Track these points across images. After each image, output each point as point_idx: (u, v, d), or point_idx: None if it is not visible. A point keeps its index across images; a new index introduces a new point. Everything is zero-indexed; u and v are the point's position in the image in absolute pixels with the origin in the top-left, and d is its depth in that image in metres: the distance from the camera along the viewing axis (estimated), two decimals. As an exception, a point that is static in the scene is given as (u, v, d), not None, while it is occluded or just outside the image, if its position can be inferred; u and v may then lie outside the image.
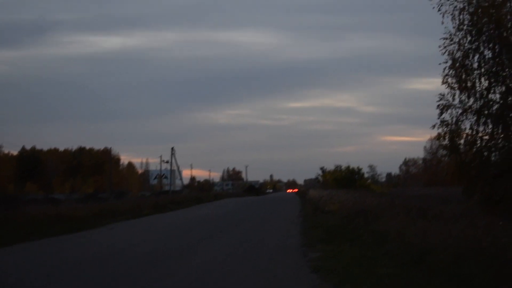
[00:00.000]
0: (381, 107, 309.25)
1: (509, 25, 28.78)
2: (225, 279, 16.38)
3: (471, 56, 29.48)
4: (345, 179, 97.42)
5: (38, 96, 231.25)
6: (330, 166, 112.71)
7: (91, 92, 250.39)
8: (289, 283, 15.64)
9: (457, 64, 29.46)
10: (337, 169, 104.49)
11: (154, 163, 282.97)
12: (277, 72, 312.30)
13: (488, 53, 29.37)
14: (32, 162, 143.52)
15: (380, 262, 17.87)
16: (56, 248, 25.61)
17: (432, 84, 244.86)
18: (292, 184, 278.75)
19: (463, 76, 29.38)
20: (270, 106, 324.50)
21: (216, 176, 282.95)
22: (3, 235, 28.90)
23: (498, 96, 29.21)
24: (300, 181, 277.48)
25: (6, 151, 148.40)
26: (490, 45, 29.16)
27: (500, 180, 28.43)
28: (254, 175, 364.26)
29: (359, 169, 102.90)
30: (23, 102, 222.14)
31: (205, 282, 16.02)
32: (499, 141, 29.04)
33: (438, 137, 30.27)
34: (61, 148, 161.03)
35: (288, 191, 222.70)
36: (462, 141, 29.73)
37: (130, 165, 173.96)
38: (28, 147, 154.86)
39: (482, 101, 29.23)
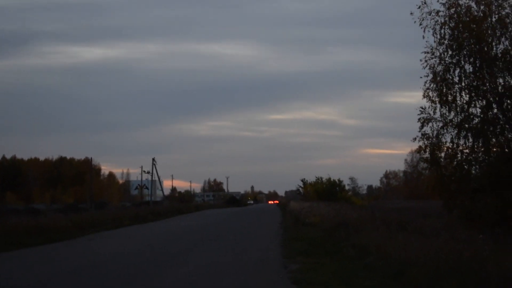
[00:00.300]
0: (363, 120, 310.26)
1: (490, 40, 28.99)
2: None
3: (452, 70, 29.67)
4: (326, 191, 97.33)
5: (19, 106, 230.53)
6: (311, 178, 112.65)
7: (73, 103, 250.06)
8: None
9: (438, 78, 29.63)
10: (318, 181, 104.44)
11: (135, 174, 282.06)
12: (259, 84, 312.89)
13: (468, 67, 29.57)
14: (12, 171, 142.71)
15: (361, 275, 17.91)
16: (36, 259, 25.48)
17: (413, 97, 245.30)
18: (273, 195, 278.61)
19: (444, 90, 29.55)
20: (252, 118, 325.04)
21: (197, 187, 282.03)
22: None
23: (478, 110, 29.40)
24: (281, 192, 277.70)
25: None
26: (471, 60, 29.35)
27: (480, 194, 28.56)
28: (235, 187, 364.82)
29: (340, 181, 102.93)
30: (3, 111, 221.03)
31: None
32: (480, 154, 29.22)
33: (419, 150, 30.42)
34: (42, 158, 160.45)
35: (269, 202, 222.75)
36: (442, 154, 29.90)
37: (111, 175, 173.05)
38: (8, 156, 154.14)
39: (462, 115, 29.41)
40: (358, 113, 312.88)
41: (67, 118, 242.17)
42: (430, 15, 29.82)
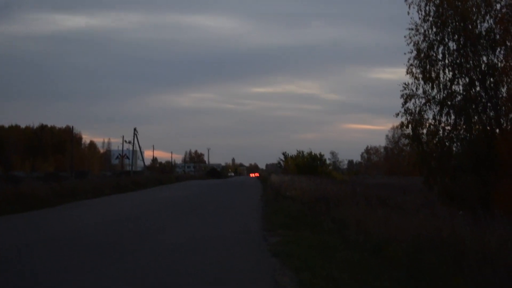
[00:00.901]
0: (344, 95, 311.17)
1: (474, 18, 29.02)
2: (184, 261, 16.36)
3: (435, 47, 29.74)
4: (307, 165, 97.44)
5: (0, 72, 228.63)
6: (292, 152, 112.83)
7: (54, 71, 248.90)
8: (249, 266, 15.67)
9: (422, 55, 29.71)
10: (299, 154, 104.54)
11: (116, 143, 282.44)
12: (241, 57, 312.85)
13: (452, 45, 29.68)
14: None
15: (340, 249, 17.97)
16: (14, 226, 25.43)
17: (396, 74, 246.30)
18: (254, 168, 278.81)
19: (428, 67, 29.63)
20: (234, 91, 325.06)
21: (178, 158, 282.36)
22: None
23: (461, 87, 29.54)
24: (262, 165, 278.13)
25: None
26: (455, 37, 29.41)
27: (460, 171, 28.75)
28: (216, 158, 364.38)
29: (321, 156, 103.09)
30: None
31: (165, 263, 15.99)
32: (461, 132, 29.37)
33: (401, 125, 30.54)
34: (23, 126, 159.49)
35: (251, 175, 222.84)
36: (424, 131, 30.02)
37: (92, 144, 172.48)
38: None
39: (445, 92, 29.53)
40: (340, 88, 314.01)
41: (48, 86, 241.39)
42: (415, -9, 29.82)
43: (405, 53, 29.97)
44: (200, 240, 20.82)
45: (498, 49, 28.87)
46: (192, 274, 14.40)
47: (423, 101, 29.48)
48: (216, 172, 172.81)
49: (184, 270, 14.98)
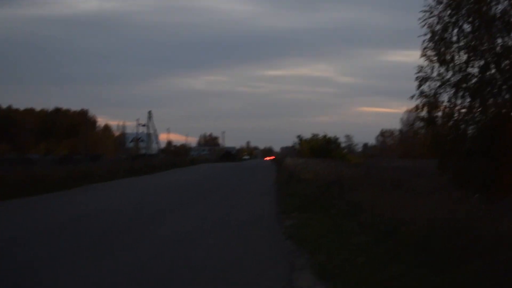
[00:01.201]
0: (359, 78, 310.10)
1: (489, 0, 28.86)
2: (201, 243, 16.43)
3: (450, 30, 29.56)
4: (321, 148, 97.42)
5: (17, 55, 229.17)
6: (307, 135, 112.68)
7: (69, 54, 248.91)
8: (264, 249, 15.73)
9: (437, 37, 29.54)
10: (314, 137, 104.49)
11: (130, 126, 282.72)
12: (255, 40, 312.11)
13: (467, 27, 29.47)
14: (6, 121, 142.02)
15: (354, 232, 18.00)
16: (28, 209, 25.56)
17: (410, 56, 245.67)
18: (268, 151, 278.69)
19: (442, 49, 29.47)
20: (248, 74, 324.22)
21: (193, 141, 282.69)
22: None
23: (476, 70, 29.38)
24: (277, 148, 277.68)
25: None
26: (470, 19, 29.23)
27: (474, 155, 28.65)
28: (231, 142, 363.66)
29: (336, 139, 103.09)
30: (1, 61, 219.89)
31: (181, 245, 16.04)
32: (476, 114, 29.27)
33: (416, 108, 30.43)
34: (38, 108, 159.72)
35: (265, 158, 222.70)
36: (439, 114, 29.91)
37: (107, 127, 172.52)
38: (4, 105, 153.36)
39: (460, 74, 29.37)
40: (354, 70, 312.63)
41: (62, 69, 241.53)
42: (429, -28, 29.67)
43: (419, 36, 29.73)
44: (214, 222, 20.89)
45: (513, 31, 28.67)
46: (208, 256, 14.47)
47: (438, 83, 29.26)
48: (231, 155, 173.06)
49: (200, 252, 15.04)
